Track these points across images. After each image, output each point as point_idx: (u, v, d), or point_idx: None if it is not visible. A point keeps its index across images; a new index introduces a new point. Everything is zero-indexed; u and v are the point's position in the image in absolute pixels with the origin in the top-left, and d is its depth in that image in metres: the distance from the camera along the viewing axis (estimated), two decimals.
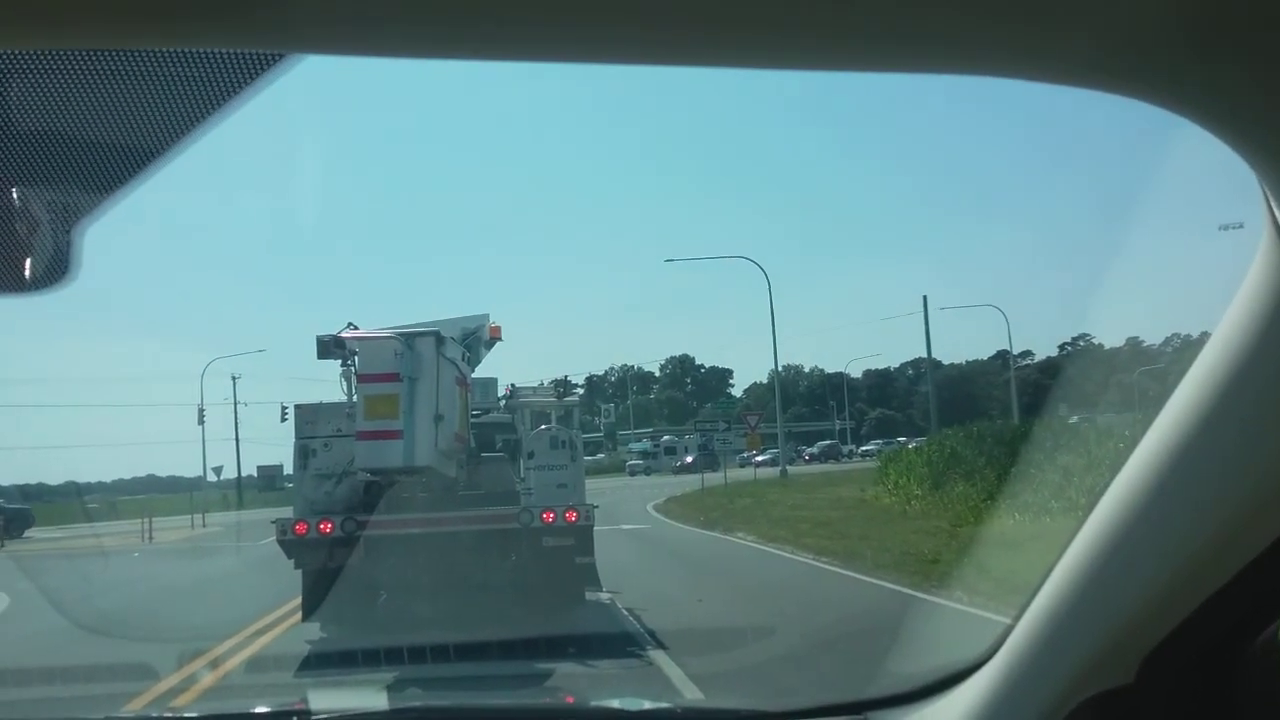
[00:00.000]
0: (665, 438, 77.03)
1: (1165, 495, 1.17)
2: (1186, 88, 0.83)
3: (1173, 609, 1.21)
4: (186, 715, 2.31)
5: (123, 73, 0.96)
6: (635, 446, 78.51)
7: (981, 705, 1.52)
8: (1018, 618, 1.48)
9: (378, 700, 2.15)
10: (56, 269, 1.18)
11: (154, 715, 1.92)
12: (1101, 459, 19.50)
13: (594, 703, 2.51)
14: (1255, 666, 1.21)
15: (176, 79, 0.97)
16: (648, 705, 2.39)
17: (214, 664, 8.84)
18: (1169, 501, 1.17)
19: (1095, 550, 1.30)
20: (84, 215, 1.16)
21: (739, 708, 2.07)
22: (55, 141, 1.07)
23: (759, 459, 47.57)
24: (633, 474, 65.02)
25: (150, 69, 0.96)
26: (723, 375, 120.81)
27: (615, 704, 2.36)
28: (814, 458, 68.86)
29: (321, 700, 2.05)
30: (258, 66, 0.94)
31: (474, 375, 12.40)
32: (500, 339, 13.19)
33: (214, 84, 0.97)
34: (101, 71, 0.97)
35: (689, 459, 57.72)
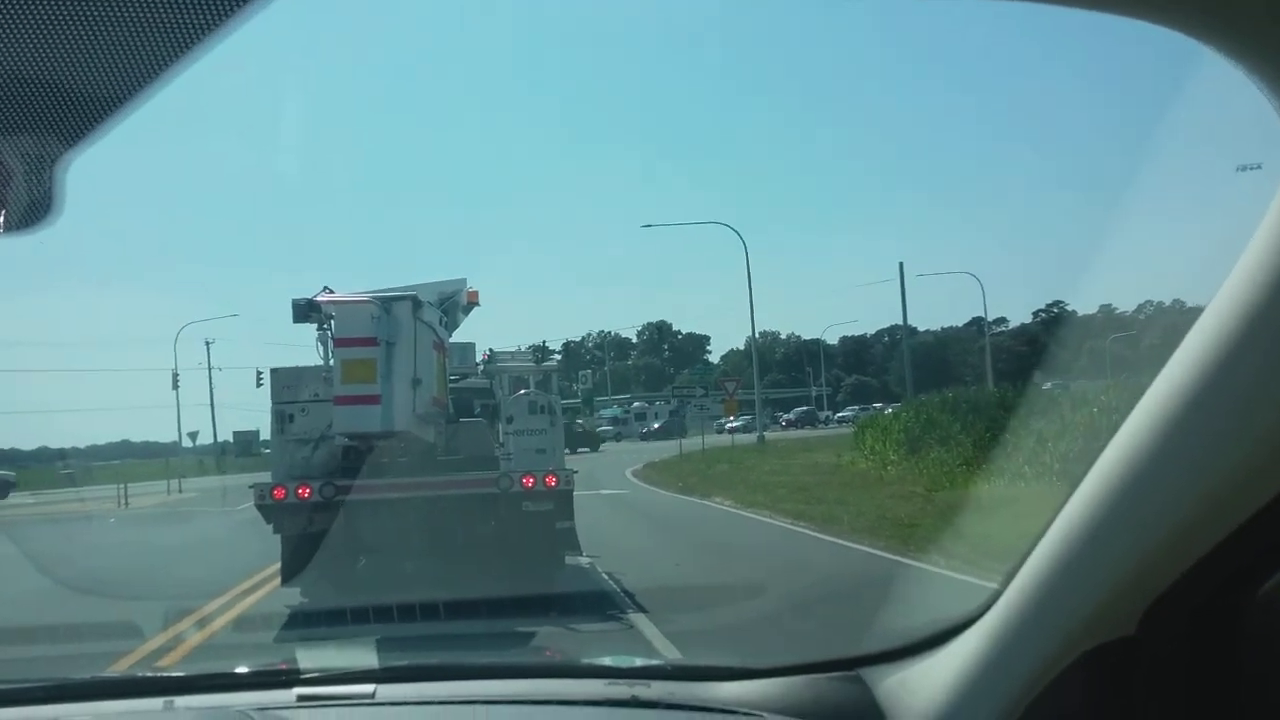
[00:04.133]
0: (635, 404, 77.12)
1: (1168, 447, 1.17)
2: (1210, 7, 0.82)
3: (1175, 559, 1.21)
4: (172, 674, 2.31)
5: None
6: (605, 413, 78.60)
7: (979, 657, 1.52)
8: (1014, 570, 1.47)
9: (366, 658, 2.15)
10: (39, 208, 1.14)
11: (140, 674, 1.91)
12: (1075, 425, 19.72)
13: (584, 660, 2.51)
14: (1259, 616, 1.21)
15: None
16: (639, 662, 2.39)
17: (200, 624, 8.85)
18: (1172, 453, 1.17)
19: (1097, 501, 1.29)
20: (68, 150, 1.12)
21: (730, 664, 2.08)
22: (35, 71, 1.04)
23: (732, 425, 47.94)
24: (602, 440, 65.21)
25: None
26: (700, 342, 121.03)
27: (607, 660, 2.37)
28: (790, 424, 69.27)
29: (309, 659, 2.04)
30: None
31: (452, 340, 12.34)
32: (478, 304, 13.10)
33: (201, 11, 0.94)
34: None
35: (656, 425, 57.98)
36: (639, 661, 2.43)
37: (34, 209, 1.14)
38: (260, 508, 10.57)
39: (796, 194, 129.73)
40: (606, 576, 10.66)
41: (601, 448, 48.89)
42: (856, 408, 75.52)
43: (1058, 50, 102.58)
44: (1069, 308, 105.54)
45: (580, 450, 42.43)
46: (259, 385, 50.45)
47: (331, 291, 10.83)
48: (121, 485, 30.79)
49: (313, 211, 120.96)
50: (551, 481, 10.62)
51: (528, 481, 10.57)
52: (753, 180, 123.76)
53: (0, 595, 12.29)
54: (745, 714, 1.90)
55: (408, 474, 10.64)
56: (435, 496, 10.52)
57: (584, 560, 11.32)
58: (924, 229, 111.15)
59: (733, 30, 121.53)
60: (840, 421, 69.49)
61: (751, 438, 42.59)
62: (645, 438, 57.71)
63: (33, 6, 0.94)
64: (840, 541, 13.36)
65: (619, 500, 21.47)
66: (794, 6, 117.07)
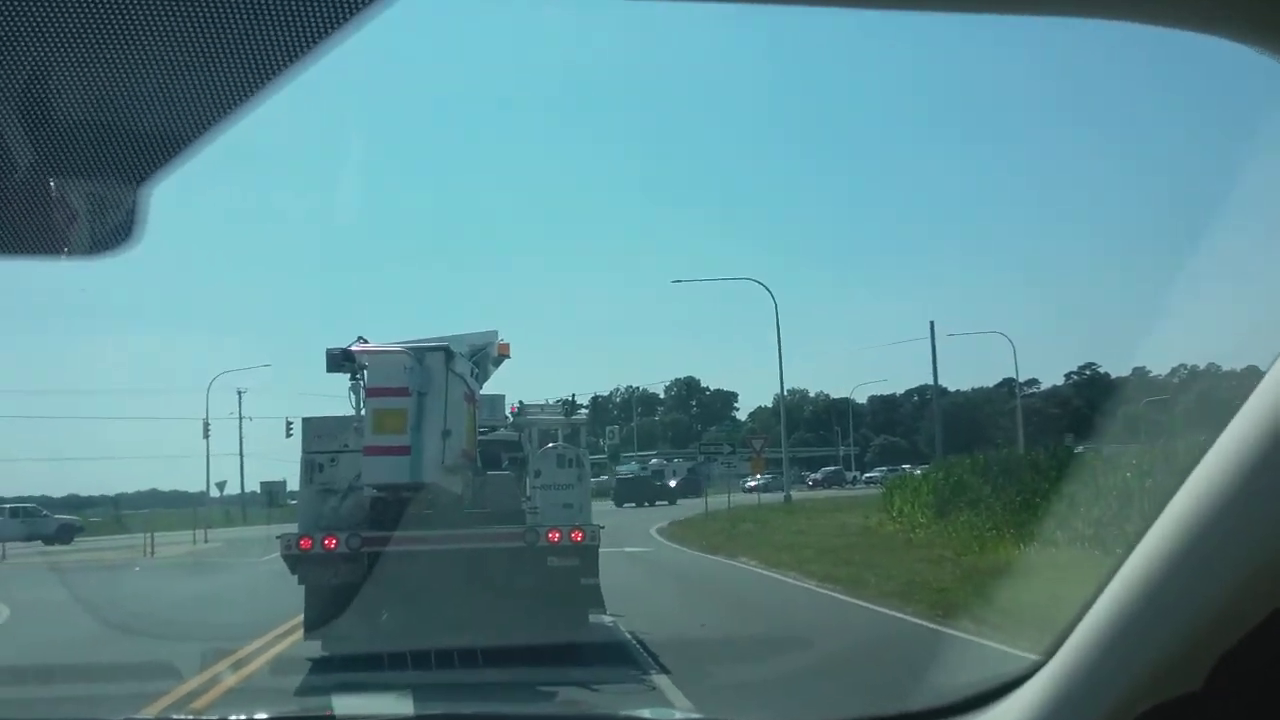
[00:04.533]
0: (653, 460, 76.68)
1: (1240, 500, 1.16)
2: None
3: (1246, 613, 1.19)
4: (207, 718, 2.28)
5: (196, 21, 0.96)
6: (622, 469, 78.34)
7: (1035, 713, 1.48)
8: (1072, 625, 1.44)
9: (402, 706, 2.12)
10: (121, 230, 1.16)
11: (175, 717, 1.88)
12: (1109, 490, 19.40)
13: (623, 712, 2.47)
14: None
15: (252, 30, 0.96)
16: (678, 715, 2.35)
17: (235, 666, 8.83)
18: (1244, 506, 1.15)
19: (1163, 554, 1.27)
20: (153, 173, 1.14)
21: None
22: (124, 96, 1.05)
23: (753, 484, 47.35)
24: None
25: (223, 19, 0.95)
26: (728, 398, 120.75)
27: (646, 714, 2.33)
28: (817, 483, 68.56)
29: (345, 706, 2.02)
30: (334, 19, 0.94)
31: (482, 392, 12.39)
32: (509, 356, 13.16)
33: (293, 33, 0.96)
34: (174, 20, 0.96)
35: (673, 482, 57.55)
36: (678, 715, 2.38)
37: (115, 232, 1.16)
38: (286, 558, 10.58)
39: (827, 250, 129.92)
40: (630, 635, 10.55)
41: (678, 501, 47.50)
42: (884, 468, 74.81)
43: (1094, 114, 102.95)
44: (1102, 370, 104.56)
45: (659, 503, 41.78)
46: (289, 435, 50.76)
47: (366, 341, 10.92)
48: (148, 534, 30.92)
49: (349, 263, 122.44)
50: (578, 537, 10.56)
51: (553, 536, 10.52)
52: (784, 236, 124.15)
53: (34, 639, 12.35)
54: None
55: (434, 526, 10.62)
56: (461, 550, 10.48)
57: (607, 619, 11.22)
58: (955, 288, 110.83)
59: (766, 86, 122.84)
60: (868, 482, 68.81)
61: (777, 497, 42.24)
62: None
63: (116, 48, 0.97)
64: (868, 605, 13.16)
65: (643, 558, 21.31)
66: (827, 63, 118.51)
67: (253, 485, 59.09)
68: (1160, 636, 1.28)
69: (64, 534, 36.91)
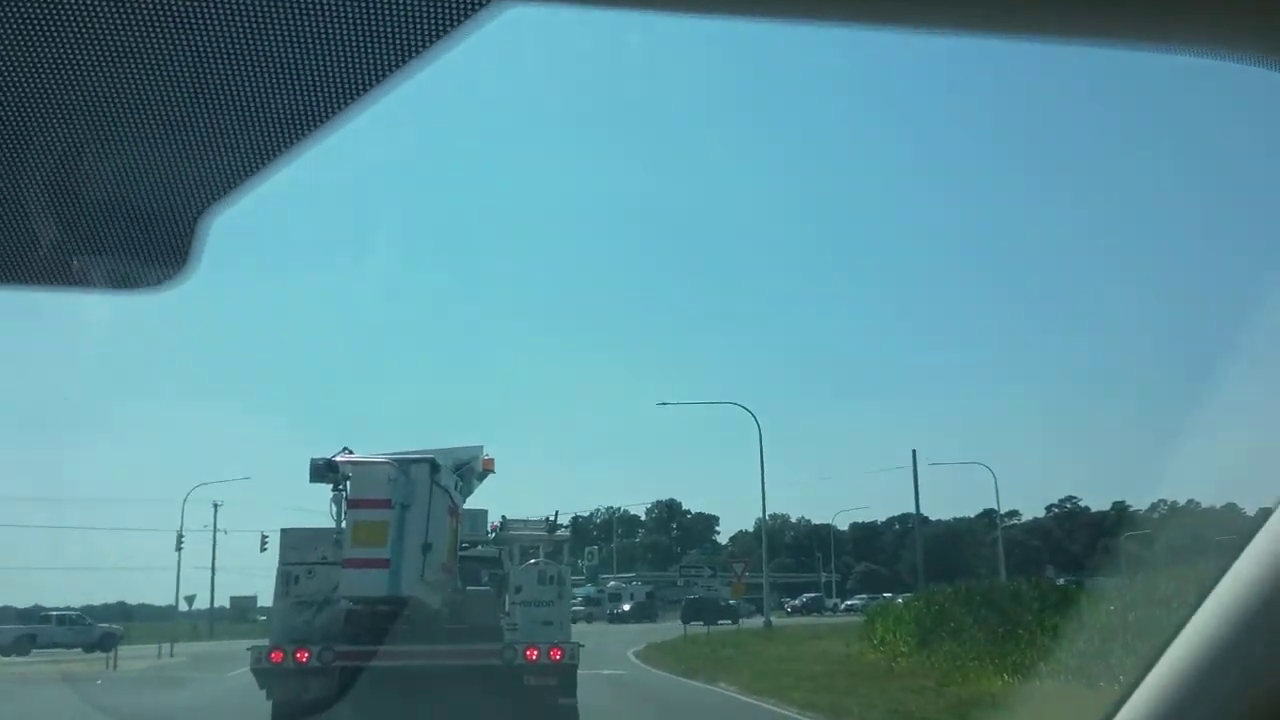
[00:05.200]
0: (611, 583, 75.77)
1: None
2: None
3: None
4: None
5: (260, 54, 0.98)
6: (579, 591, 77.18)
7: None
8: (1121, 700, 1.44)
9: None
10: (176, 261, 1.18)
11: None
12: (1092, 623, 19.25)
13: None
14: None
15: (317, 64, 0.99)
16: None
17: None
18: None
19: (1205, 640, 1.28)
20: (211, 204, 1.14)
21: None
22: (184, 118, 1.06)
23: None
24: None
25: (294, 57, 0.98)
26: (709, 522, 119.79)
27: None
28: (796, 609, 67.49)
29: None
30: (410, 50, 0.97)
31: (465, 507, 12.33)
32: (493, 471, 13.15)
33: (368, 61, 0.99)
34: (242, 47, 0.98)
35: (627, 606, 56.66)
36: None
37: (171, 264, 1.17)
38: (256, 671, 10.34)
39: (811, 379, 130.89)
40: None
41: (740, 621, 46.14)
42: (864, 596, 73.89)
43: (1079, 240, 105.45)
44: (1082, 504, 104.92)
45: (721, 622, 40.43)
46: (263, 549, 49.99)
47: (350, 452, 10.92)
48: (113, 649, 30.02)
49: (335, 375, 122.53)
50: (556, 655, 10.40)
51: (531, 654, 10.35)
52: (769, 363, 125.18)
53: None
54: None
55: (410, 642, 10.44)
56: (437, 666, 10.28)
57: None
58: (939, 418, 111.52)
59: (757, 211, 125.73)
60: (848, 609, 67.82)
61: (755, 622, 41.51)
62: (614, 619, 56.01)
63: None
64: None
65: (620, 681, 20.83)
66: (811, 194, 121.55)
67: (223, 600, 57.81)
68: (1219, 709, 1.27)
69: (107, 642, 37.03)
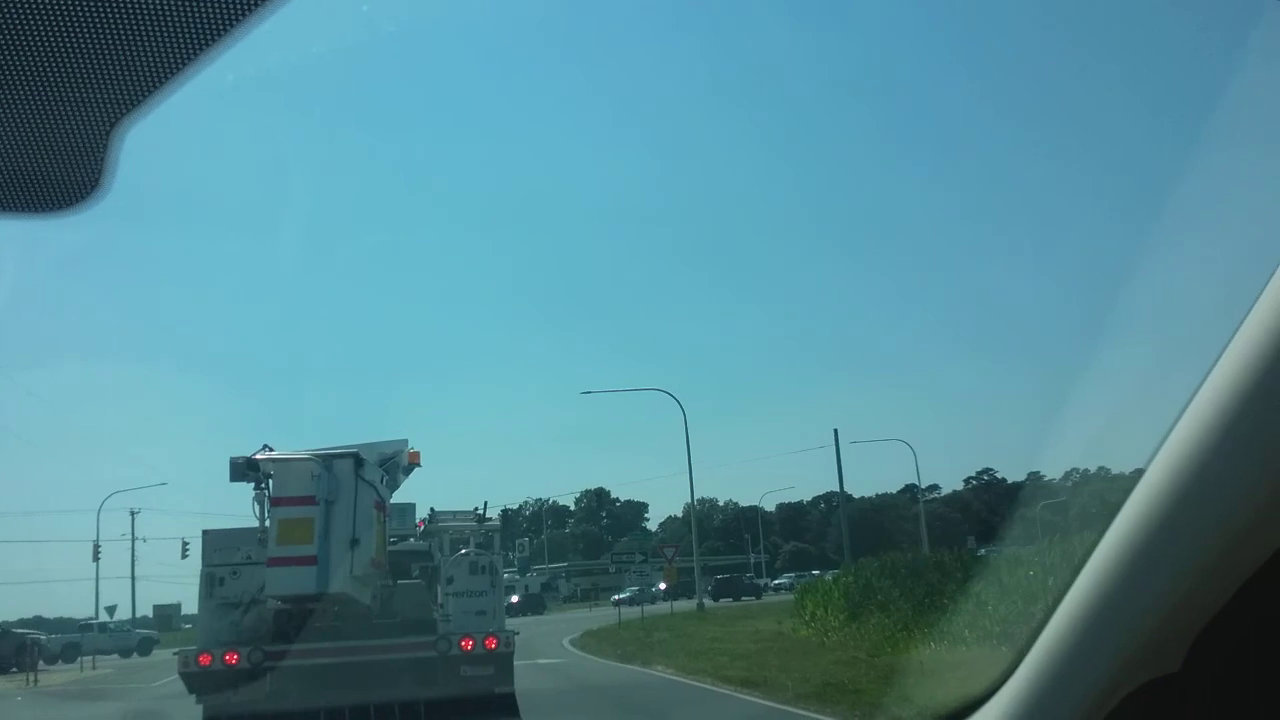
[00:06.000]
0: (533, 573, 76.26)
1: (1203, 480, 1.18)
2: None
3: (1216, 592, 1.20)
4: None
5: None
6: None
7: (1016, 713, 1.47)
8: (1039, 626, 1.46)
9: None
10: (88, 181, 1.12)
11: None
12: (1013, 588, 19.83)
13: None
14: None
15: None
16: None
17: None
18: (1207, 485, 1.17)
19: (1131, 540, 1.29)
20: (124, 115, 1.08)
21: None
22: (92, 30, 1.00)
23: (620, 597, 47.80)
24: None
25: None
26: (638, 509, 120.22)
27: None
28: (711, 592, 66.78)
29: None
30: None
31: (391, 501, 12.19)
32: (419, 465, 13.04)
33: None
34: None
35: (514, 599, 57.26)
36: None
37: (81, 186, 1.10)
38: (184, 675, 10.13)
39: (733, 363, 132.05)
40: None
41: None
42: (792, 575, 74.90)
43: (995, 221, 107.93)
44: (999, 475, 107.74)
45: (745, 598, 40.12)
46: (184, 556, 48.78)
47: (271, 449, 10.72)
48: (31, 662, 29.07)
49: (253, 373, 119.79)
50: (491, 644, 10.37)
51: (466, 644, 10.30)
52: (690, 349, 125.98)
53: None
54: None
55: (342, 638, 10.32)
56: (371, 661, 10.18)
57: None
58: (858, 398, 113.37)
59: (672, 207, 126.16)
60: (776, 589, 68.56)
61: (662, 608, 41.78)
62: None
63: None
64: (786, 708, 13.07)
65: (557, 670, 20.84)
66: (728, 186, 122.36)
67: (145, 609, 56.26)
68: (1133, 621, 1.29)
69: (145, 646, 41.20)
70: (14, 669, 33.68)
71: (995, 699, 1.58)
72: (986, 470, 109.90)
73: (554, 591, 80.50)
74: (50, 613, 64.34)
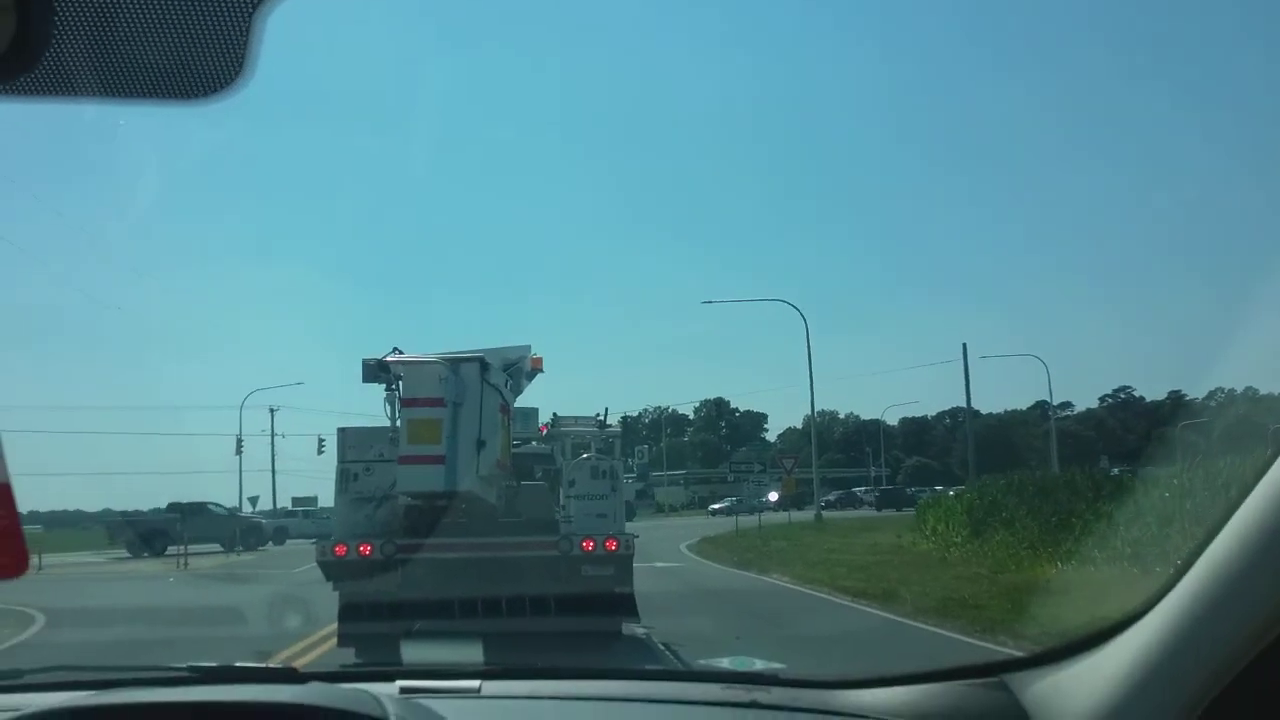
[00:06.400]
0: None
1: None
2: None
3: None
4: (282, 666, 2.22)
5: None
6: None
7: (1155, 649, 1.40)
8: (1193, 556, 1.38)
9: (470, 654, 2.09)
10: (231, 67, 1.08)
11: (256, 665, 1.85)
12: (1147, 510, 19.13)
13: (701, 661, 2.41)
14: None
15: None
16: (759, 665, 2.29)
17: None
18: None
19: (1259, 526, 1.22)
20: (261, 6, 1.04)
21: (856, 676, 1.98)
22: None
23: (717, 506, 47.22)
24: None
25: None
26: (757, 420, 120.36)
27: (724, 663, 2.27)
28: (829, 505, 66.64)
29: (413, 654, 2.00)
30: None
31: (516, 405, 12.38)
32: (542, 370, 13.16)
33: None
34: None
35: None
36: (758, 665, 2.32)
37: (222, 73, 1.07)
38: (321, 564, 10.61)
39: (858, 273, 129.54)
40: (663, 647, 10.46)
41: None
42: (912, 489, 74.13)
43: (1134, 139, 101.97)
44: (1137, 394, 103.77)
45: (906, 509, 40.50)
46: (320, 452, 51.31)
47: (401, 352, 10.97)
48: (182, 547, 31.16)
49: (386, 281, 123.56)
50: (612, 546, 10.52)
51: (587, 545, 10.48)
52: (812, 264, 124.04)
53: (69, 644, 12.46)
54: (876, 719, 1.81)
55: (468, 535, 10.61)
56: (495, 558, 10.47)
57: (640, 630, 11.13)
58: (989, 310, 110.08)
59: (796, 107, 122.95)
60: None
61: (780, 519, 41.85)
62: None
63: None
64: (905, 620, 13.01)
65: (674, 573, 21.21)
66: (861, 86, 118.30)
67: (285, 501, 59.48)
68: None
69: (279, 537, 42.35)
70: (240, 548, 37.17)
71: (1134, 630, 1.50)
72: (1124, 388, 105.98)
73: (648, 499, 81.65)
74: (199, 501, 68.77)
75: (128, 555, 35.84)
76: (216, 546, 36.69)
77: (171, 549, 33.44)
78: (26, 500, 1.03)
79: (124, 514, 41.58)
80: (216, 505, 41.75)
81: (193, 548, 31.68)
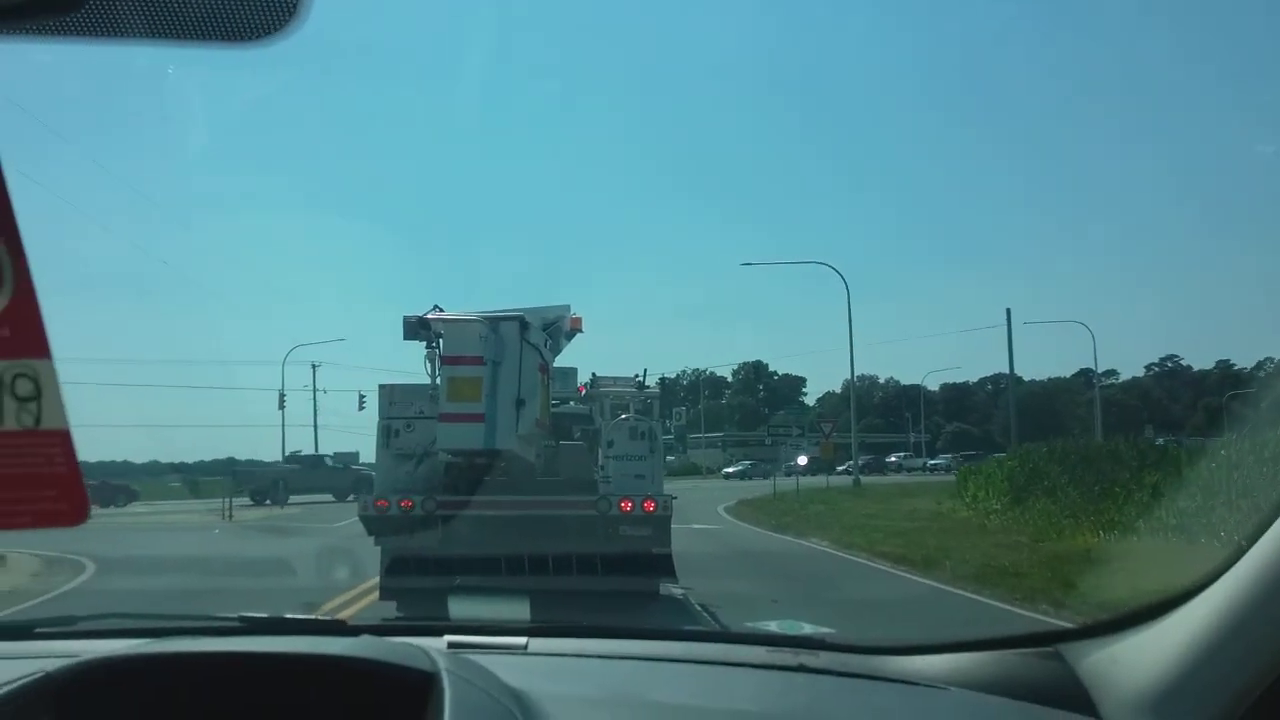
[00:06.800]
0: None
1: None
2: None
3: None
4: (330, 618, 2.24)
5: None
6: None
7: (1219, 621, 1.36)
8: (1255, 535, 1.33)
9: (517, 611, 2.09)
10: (284, 10, 1.05)
11: (304, 617, 1.87)
12: (1193, 480, 18.86)
13: (748, 624, 2.39)
14: None
15: None
16: (807, 629, 2.27)
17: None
18: None
19: None
20: None
21: (906, 642, 1.94)
22: None
23: (730, 470, 46.22)
24: None
25: None
26: (796, 383, 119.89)
27: (772, 626, 2.25)
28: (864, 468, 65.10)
29: (460, 610, 2.00)
30: None
31: (554, 365, 12.39)
32: (581, 330, 13.15)
33: None
34: None
35: None
36: (807, 628, 2.30)
37: (278, 14, 1.04)
38: (363, 518, 10.74)
39: (901, 236, 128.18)
40: (700, 608, 10.50)
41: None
42: (948, 456, 73.64)
43: (1177, 83, 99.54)
44: (1184, 363, 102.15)
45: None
46: (361, 408, 51.86)
47: (441, 310, 11.00)
48: (226, 499, 31.75)
49: (425, 239, 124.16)
50: (650, 507, 10.54)
51: (626, 506, 10.50)
52: (854, 226, 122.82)
53: (117, 591, 12.75)
54: (928, 686, 1.78)
55: (507, 492, 10.68)
56: (533, 516, 10.53)
57: (678, 590, 11.18)
58: (1034, 275, 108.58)
59: (842, 71, 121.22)
60: (931, 470, 67.60)
61: (811, 482, 41.77)
62: None
63: None
64: (944, 587, 12.93)
65: (712, 535, 21.27)
66: (902, 53, 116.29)
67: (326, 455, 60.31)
68: None
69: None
70: (352, 497, 38.01)
71: (1196, 601, 1.45)
72: (1171, 357, 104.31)
73: (682, 455, 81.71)
74: (241, 455, 70.03)
75: (250, 503, 37.14)
76: (329, 497, 37.88)
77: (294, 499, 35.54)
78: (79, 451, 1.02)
79: (246, 463, 43.56)
80: (331, 458, 43.02)
81: (239, 500, 32.41)
